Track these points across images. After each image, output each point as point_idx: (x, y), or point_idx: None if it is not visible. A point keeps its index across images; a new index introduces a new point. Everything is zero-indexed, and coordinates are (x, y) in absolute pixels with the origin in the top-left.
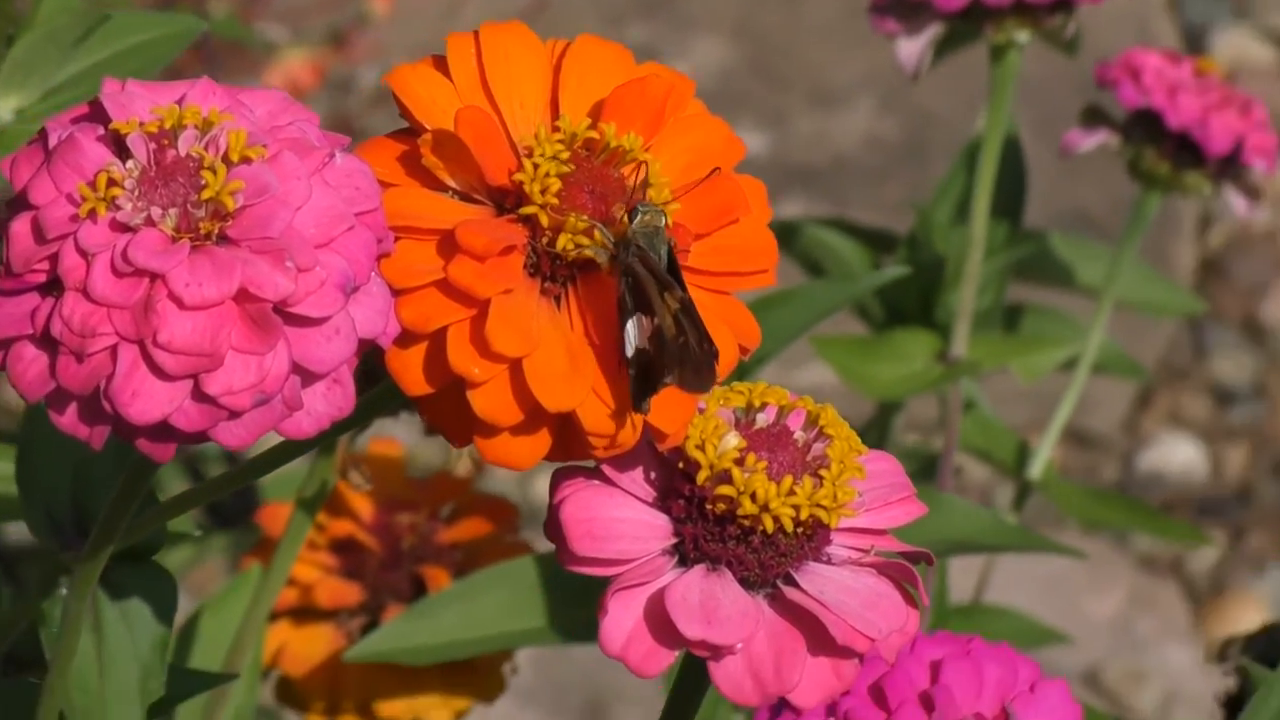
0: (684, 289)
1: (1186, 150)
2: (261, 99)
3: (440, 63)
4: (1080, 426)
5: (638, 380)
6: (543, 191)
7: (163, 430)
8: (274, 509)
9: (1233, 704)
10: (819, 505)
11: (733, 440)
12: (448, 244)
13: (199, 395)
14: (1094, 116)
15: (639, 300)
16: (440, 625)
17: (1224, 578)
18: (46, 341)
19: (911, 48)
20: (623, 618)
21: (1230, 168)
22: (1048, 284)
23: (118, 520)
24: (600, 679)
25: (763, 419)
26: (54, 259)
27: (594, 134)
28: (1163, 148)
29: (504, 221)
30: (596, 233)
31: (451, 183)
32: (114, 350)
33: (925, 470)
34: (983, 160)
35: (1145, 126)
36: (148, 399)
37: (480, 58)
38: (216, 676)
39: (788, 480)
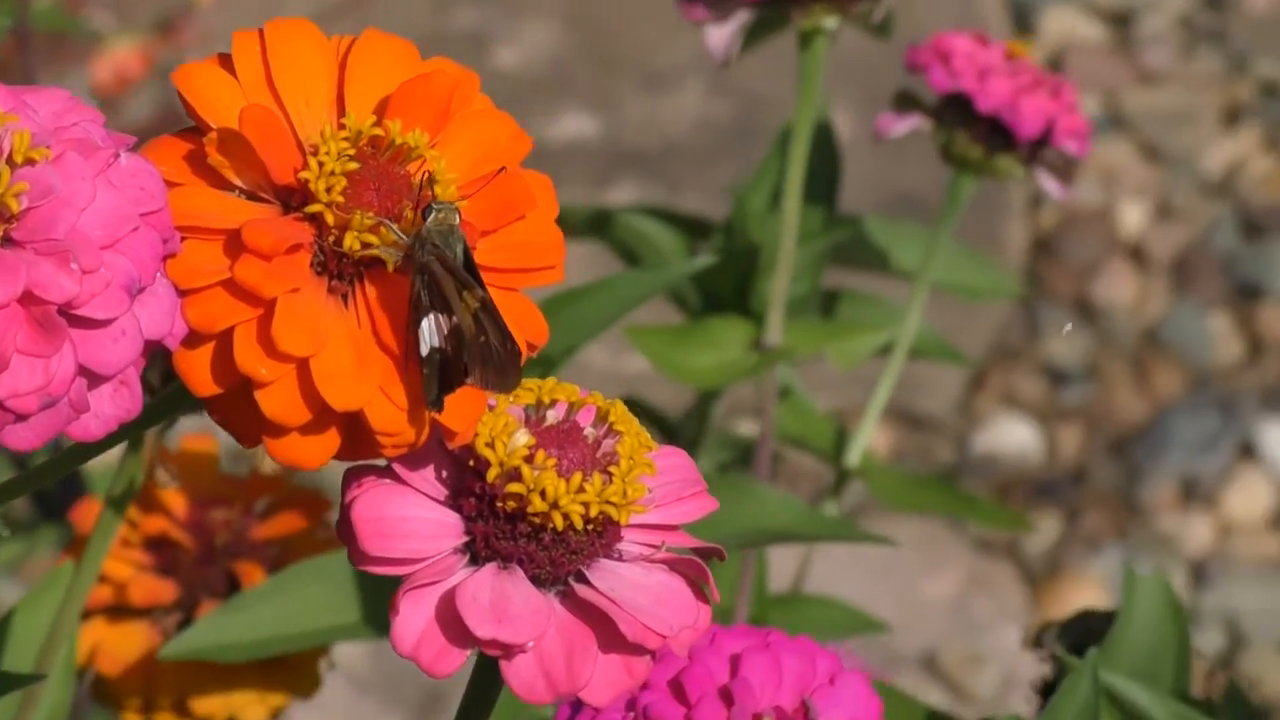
0: (483, 288)
1: (998, 134)
2: (46, 99)
3: (226, 60)
4: (913, 409)
5: (433, 379)
6: (328, 189)
7: None
8: (87, 505)
9: (1048, 690)
10: (609, 502)
11: (522, 438)
12: (234, 243)
13: None
14: (906, 101)
15: (435, 299)
16: (255, 621)
17: (1060, 559)
18: None
19: (720, 34)
20: (414, 617)
21: (1042, 150)
22: (865, 269)
23: None
24: None
25: (553, 415)
26: None
27: (379, 131)
28: (974, 131)
29: (290, 220)
30: (384, 230)
31: (238, 181)
32: None
33: (747, 457)
34: (792, 148)
35: (957, 110)
36: None
37: (265, 55)
38: (22, 678)
39: (577, 477)
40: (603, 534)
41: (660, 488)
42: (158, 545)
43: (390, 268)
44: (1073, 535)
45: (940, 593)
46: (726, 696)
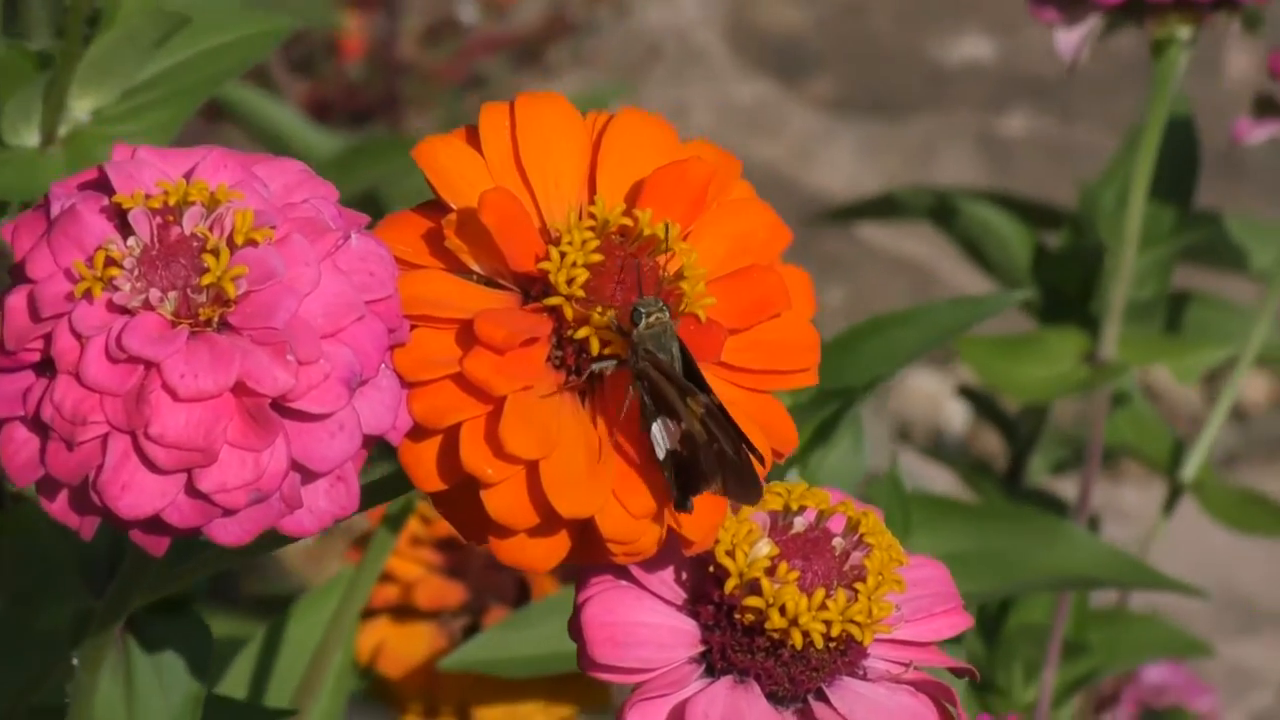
0: (708, 392)
1: None
2: (278, 171)
3: (473, 134)
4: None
5: (676, 482)
6: (569, 282)
7: (154, 524)
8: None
9: None
10: (852, 621)
11: (764, 548)
12: (467, 333)
13: (192, 491)
14: (1267, 106)
15: (660, 403)
16: (539, 636)
17: None
18: (38, 424)
19: (1070, 38)
20: None
21: None
22: (1220, 268)
23: (128, 595)
24: None
25: (800, 523)
26: (48, 338)
27: (627, 220)
28: None
29: (528, 311)
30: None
31: (475, 267)
32: (104, 440)
33: (1082, 458)
34: (1139, 157)
35: None
36: (138, 493)
37: (514, 131)
38: (272, 713)
39: (820, 593)
40: (845, 652)
41: (911, 601)
42: (448, 546)
43: (596, 349)
44: None
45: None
46: None
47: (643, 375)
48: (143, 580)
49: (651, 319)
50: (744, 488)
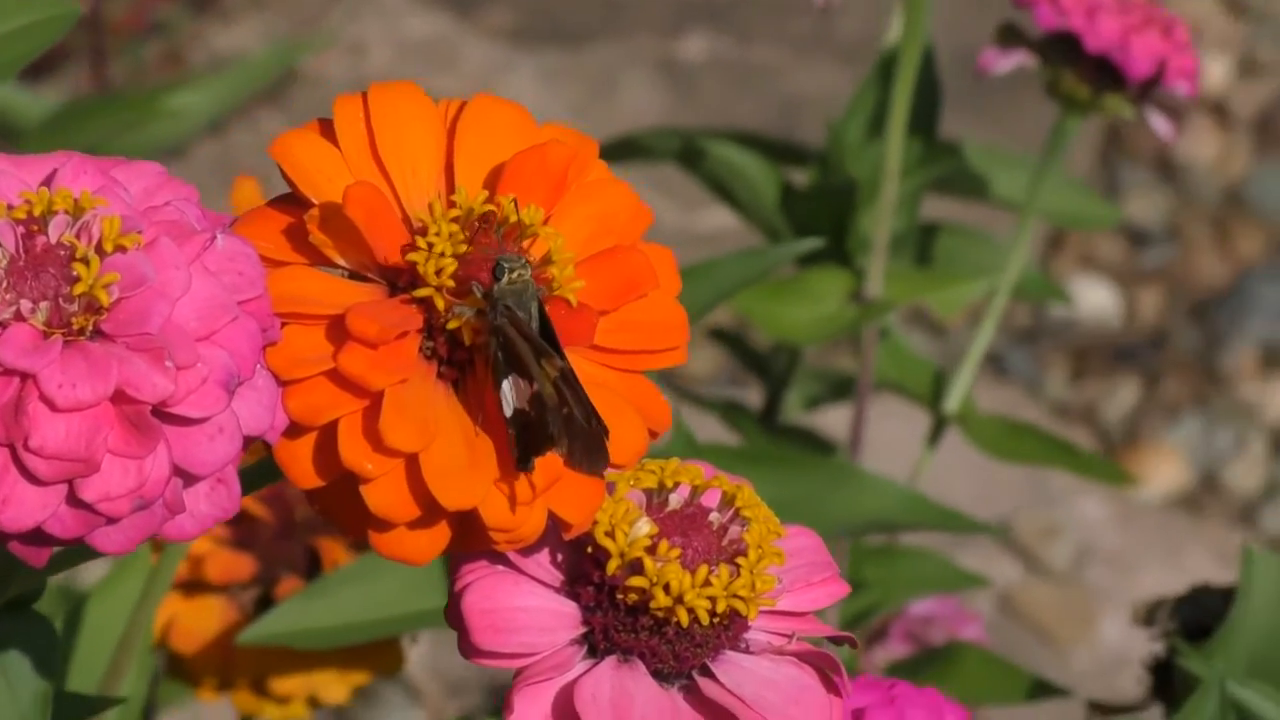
0: (562, 355)
1: (1107, 73)
2: (136, 174)
3: (327, 128)
4: None
5: (520, 440)
6: (438, 273)
7: (36, 536)
8: None
9: (1160, 669)
10: (736, 596)
11: (644, 527)
12: (338, 329)
13: (74, 501)
14: (1011, 36)
15: (512, 361)
16: (338, 605)
17: (1138, 426)
18: None
19: None
20: (529, 715)
21: (1152, 90)
22: (963, 196)
23: None
24: None
25: (675, 499)
26: None
27: (491, 207)
28: (1082, 70)
29: (397, 303)
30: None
31: (340, 261)
32: None
33: (839, 392)
34: (896, 93)
35: (1063, 48)
36: (19, 505)
37: (369, 122)
38: (99, 701)
39: (703, 570)
40: (729, 627)
41: (789, 571)
42: (236, 519)
43: (469, 338)
44: (1151, 402)
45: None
46: None
47: (499, 331)
48: (7, 589)
49: (514, 274)
50: (591, 457)
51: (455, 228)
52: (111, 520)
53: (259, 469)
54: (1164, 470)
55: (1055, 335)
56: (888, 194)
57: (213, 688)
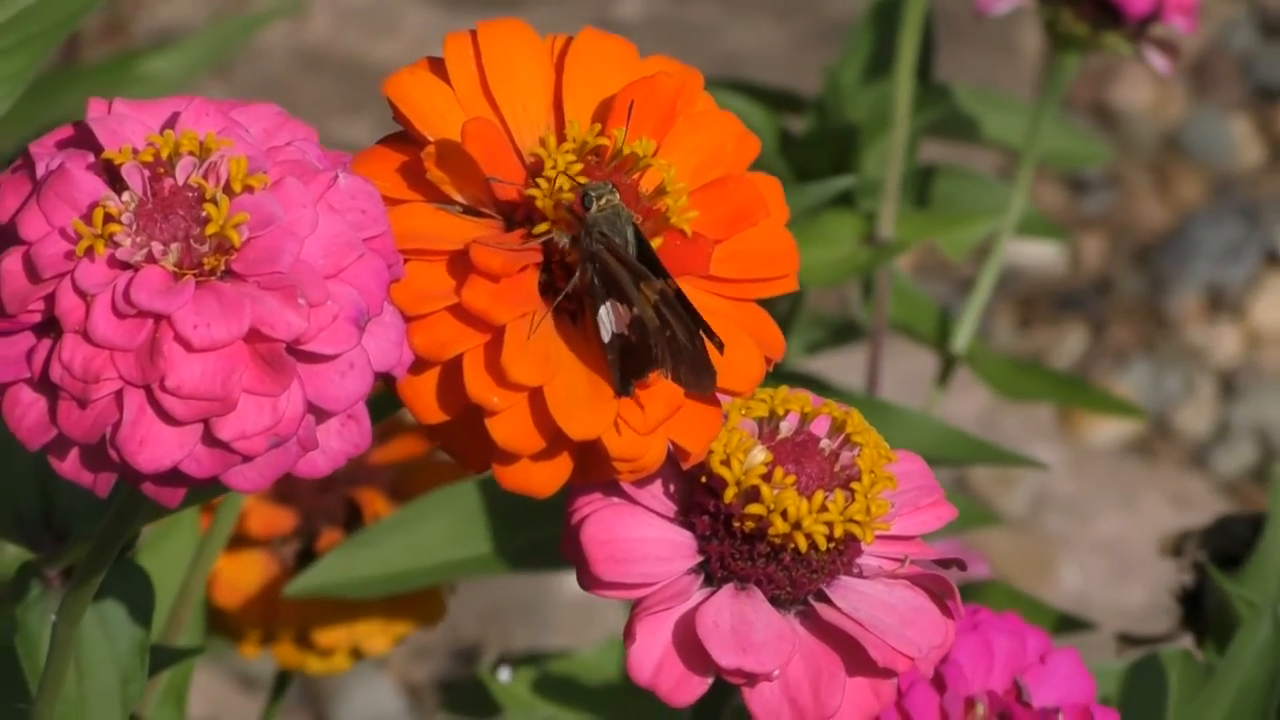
0: (665, 276)
1: (1105, 10)
2: (256, 115)
3: (438, 65)
4: None
5: (619, 366)
6: (556, 206)
7: (173, 476)
8: None
9: (1190, 600)
10: (853, 521)
11: (759, 455)
12: (459, 263)
13: (211, 440)
14: None
15: (610, 286)
16: (382, 555)
17: (1088, 372)
18: (45, 385)
19: None
20: (651, 644)
21: (1150, 26)
22: (953, 139)
23: (107, 552)
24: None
25: (786, 427)
26: (50, 299)
27: (604, 140)
28: (1080, 8)
29: (516, 237)
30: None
31: (458, 196)
32: (119, 396)
33: (840, 337)
34: (905, 35)
35: None
36: (157, 446)
37: (479, 59)
38: (178, 652)
39: (819, 496)
40: (844, 552)
41: (898, 495)
42: None
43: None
44: (1099, 348)
45: (970, 410)
46: (938, 681)
47: (594, 257)
48: (127, 532)
49: (602, 201)
50: (698, 377)
51: (571, 157)
52: (247, 458)
53: (375, 404)
54: (1113, 419)
55: (1001, 284)
56: (898, 136)
57: (256, 641)
